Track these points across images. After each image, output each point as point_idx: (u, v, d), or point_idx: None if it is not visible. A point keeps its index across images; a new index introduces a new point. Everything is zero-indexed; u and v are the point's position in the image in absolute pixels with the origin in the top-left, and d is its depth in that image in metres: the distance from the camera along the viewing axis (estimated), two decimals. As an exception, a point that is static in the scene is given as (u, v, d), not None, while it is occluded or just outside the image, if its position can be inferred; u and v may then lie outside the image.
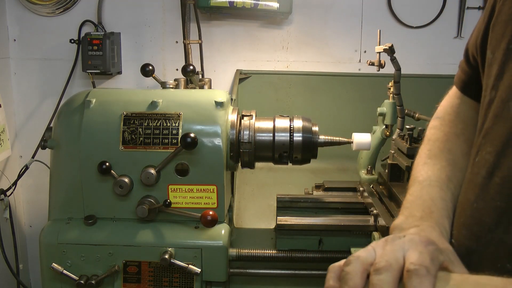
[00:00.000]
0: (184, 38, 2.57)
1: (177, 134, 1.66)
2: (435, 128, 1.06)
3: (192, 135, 1.56)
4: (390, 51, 1.93)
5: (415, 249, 0.65)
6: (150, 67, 1.88)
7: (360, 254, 0.67)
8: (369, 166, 2.14)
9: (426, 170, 0.98)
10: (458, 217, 0.87)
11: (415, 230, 0.83)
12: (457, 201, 0.92)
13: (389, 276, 0.63)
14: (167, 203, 1.61)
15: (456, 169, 0.97)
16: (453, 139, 1.02)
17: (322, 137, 1.79)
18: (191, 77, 1.94)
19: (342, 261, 0.69)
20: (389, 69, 2.00)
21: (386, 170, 1.99)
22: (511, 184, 0.76)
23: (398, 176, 1.95)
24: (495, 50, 0.85)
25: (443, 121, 1.06)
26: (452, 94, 1.10)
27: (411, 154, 1.74)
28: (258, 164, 1.84)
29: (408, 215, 0.90)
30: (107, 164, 1.61)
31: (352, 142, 1.83)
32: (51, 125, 1.86)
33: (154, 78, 1.92)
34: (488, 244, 0.79)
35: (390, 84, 2.05)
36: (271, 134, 1.76)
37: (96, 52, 2.53)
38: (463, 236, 0.83)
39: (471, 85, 1.03)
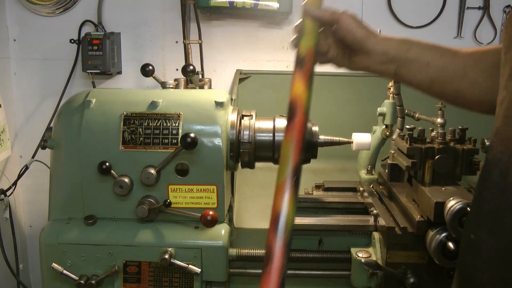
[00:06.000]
0: (184, 38, 2.57)
1: (177, 134, 1.66)
2: None
3: (192, 135, 1.56)
4: (390, 51, 1.92)
5: None
6: (150, 67, 1.88)
7: None
8: (369, 166, 2.14)
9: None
10: (476, 214, 0.92)
11: None
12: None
13: None
14: (167, 203, 1.61)
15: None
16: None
17: (322, 137, 1.79)
18: (191, 77, 1.94)
19: None
20: (389, 69, 2.00)
21: (386, 170, 1.99)
22: None
23: (398, 176, 1.95)
24: (507, 50, 0.88)
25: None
26: None
27: (411, 154, 1.74)
28: (258, 164, 1.84)
29: None
30: (107, 164, 1.61)
31: (352, 142, 1.83)
32: (51, 125, 1.86)
33: (154, 78, 1.92)
34: (507, 241, 0.82)
35: (390, 84, 2.05)
36: (271, 134, 1.76)
37: (96, 52, 2.53)
38: (483, 232, 0.88)
39: None
